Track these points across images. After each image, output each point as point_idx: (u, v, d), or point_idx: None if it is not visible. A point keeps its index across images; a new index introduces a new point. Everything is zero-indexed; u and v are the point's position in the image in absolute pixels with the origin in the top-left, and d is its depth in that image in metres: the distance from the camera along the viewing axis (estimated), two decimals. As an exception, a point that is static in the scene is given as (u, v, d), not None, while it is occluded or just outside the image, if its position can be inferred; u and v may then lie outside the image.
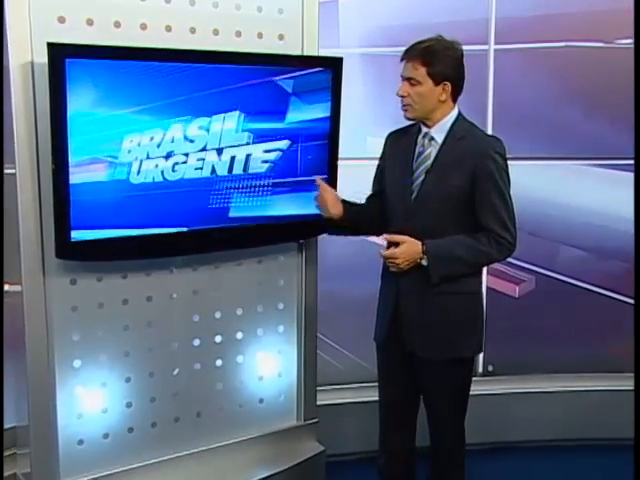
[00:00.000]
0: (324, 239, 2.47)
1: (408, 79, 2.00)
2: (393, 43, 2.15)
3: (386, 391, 2.23)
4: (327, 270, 2.62)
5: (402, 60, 2.02)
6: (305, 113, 2.22)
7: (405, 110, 2.04)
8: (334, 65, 2.25)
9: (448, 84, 2.02)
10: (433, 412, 2.18)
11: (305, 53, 2.31)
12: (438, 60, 1.99)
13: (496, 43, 2.83)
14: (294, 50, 2.29)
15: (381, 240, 2.18)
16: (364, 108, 2.77)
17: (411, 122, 2.10)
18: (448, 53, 2.00)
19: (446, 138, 2.04)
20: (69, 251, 1.99)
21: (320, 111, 2.25)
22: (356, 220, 2.17)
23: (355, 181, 2.32)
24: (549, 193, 2.95)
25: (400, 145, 2.11)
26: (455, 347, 2.08)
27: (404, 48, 2.04)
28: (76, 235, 1.97)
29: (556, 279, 3.04)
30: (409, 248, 2.00)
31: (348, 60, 2.29)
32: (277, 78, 2.15)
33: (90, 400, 2.15)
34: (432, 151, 2.04)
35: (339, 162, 2.34)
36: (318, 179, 2.19)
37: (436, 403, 2.16)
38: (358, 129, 2.22)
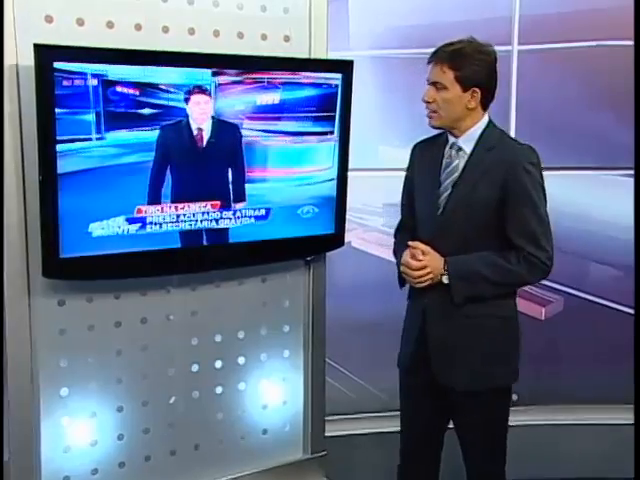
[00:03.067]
0: (333, 256, 2.44)
1: (434, 83, 1.97)
2: (407, 45, 2.16)
3: (409, 422, 2.19)
4: (337, 290, 2.60)
5: (429, 63, 1.98)
6: (312, 121, 2.20)
7: (430, 117, 2.01)
8: (344, 69, 2.23)
9: (478, 91, 1.97)
10: (467, 452, 2.12)
11: (313, 56, 2.29)
12: (468, 64, 1.94)
13: (520, 43, 2.80)
14: (301, 53, 2.27)
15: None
16: (376, 115, 2.75)
17: (439, 131, 2.06)
18: (480, 57, 1.96)
19: (475, 148, 2.01)
20: (57, 269, 1.95)
21: (329, 118, 2.23)
22: None
23: (366, 194, 2.31)
24: (578, 206, 2.90)
25: (427, 156, 2.09)
26: (486, 376, 2.02)
27: (419, 50, 2.10)
28: (66, 252, 1.93)
29: (586, 300, 2.99)
30: (430, 262, 1.98)
31: (359, 63, 2.27)
32: (282, 83, 2.14)
33: (78, 432, 2.11)
34: (460, 162, 2.01)
35: (349, 173, 2.31)
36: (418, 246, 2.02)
37: (469, 441, 2.10)
38: (369, 138, 2.19)
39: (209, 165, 2.10)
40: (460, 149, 2.02)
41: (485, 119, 2.03)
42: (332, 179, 2.28)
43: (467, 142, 2.01)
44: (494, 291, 1.99)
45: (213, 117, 2.07)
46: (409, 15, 2.75)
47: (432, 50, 2.00)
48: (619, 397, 2.95)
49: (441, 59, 1.95)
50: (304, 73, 2.17)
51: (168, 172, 2.04)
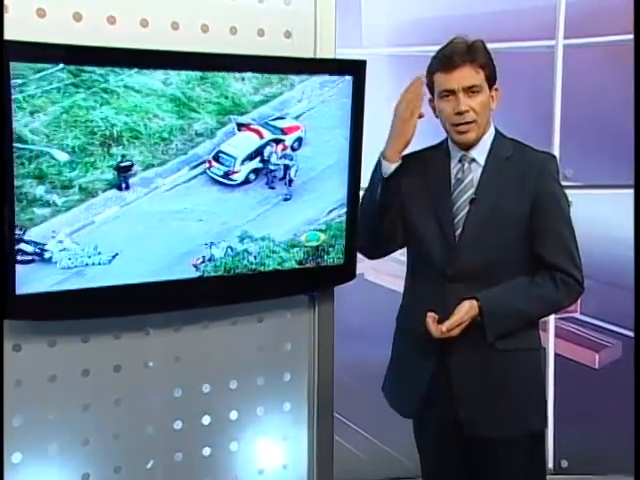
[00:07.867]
0: (342, 290, 2.41)
1: (468, 89, 1.94)
2: (428, 41, 2.15)
3: None
4: (346, 331, 2.57)
5: (452, 68, 1.93)
6: (318, 131, 2.20)
7: (467, 131, 1.97)
8: (355, 70, 2.23)
9: (498, 89, 2.00)
10: None
11: (318, 55, 2.30)
12: (491, 60, 1.98)
13: (566, 37, 2.79)
14: (305, 51, 2.27)
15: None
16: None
17: (429, 145, 2.08)
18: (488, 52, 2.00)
19: (488, 159, 2.03)
20: (13, 308, 1.92)
21: (337, 128, 2.23)
22: None
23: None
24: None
25: (424, 175, 2.06)
26: (523, 419, 2.02)
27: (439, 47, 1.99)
28: (23, 287, 1.91)
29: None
30: (467, 313, 1.94)
31: (372, 63, 2.27)
32: (282, 86, 2.13)
33: (33, 508, 2.05)
34: (474, 176, 2.03)
35: (361, 193, 2.27)
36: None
37: None
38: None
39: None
40: (473, 161, 2.02)
41: (492, 125, 2.05)
42: (342, 198, 2.28)
43: (480, 153, 2.02)
44: (528, 323, 2.03)
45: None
46: (429, 7, 2.74)
47: None
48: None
49: (472, 59, 1.94)
50: (308, 76, 2.15)
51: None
